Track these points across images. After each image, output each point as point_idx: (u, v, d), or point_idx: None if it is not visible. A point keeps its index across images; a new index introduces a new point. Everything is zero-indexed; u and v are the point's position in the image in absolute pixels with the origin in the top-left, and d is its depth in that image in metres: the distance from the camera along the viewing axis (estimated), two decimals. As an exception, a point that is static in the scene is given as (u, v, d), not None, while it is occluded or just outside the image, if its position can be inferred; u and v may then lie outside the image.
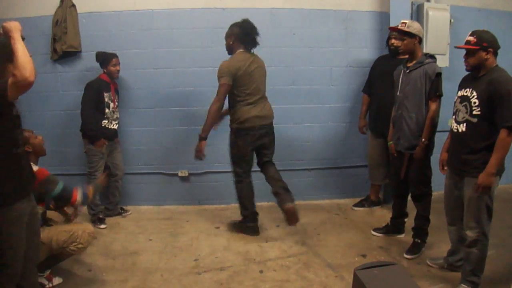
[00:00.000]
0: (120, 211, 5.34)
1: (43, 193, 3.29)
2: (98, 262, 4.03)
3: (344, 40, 5.51)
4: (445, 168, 3.59)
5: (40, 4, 5.17)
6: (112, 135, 5.00)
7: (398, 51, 4.62)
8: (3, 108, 2.44)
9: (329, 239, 4.54)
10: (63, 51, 5.14)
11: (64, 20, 5.05)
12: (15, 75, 2.28)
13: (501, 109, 3.01)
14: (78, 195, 3.40)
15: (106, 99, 4.83)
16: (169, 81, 5.36)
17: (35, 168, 3.28)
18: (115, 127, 5.04)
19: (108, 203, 5.24)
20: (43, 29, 5.17)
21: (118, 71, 4.94)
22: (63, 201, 3.41)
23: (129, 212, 5.37)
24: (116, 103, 5.01)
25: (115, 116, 4.99)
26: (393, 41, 4.78)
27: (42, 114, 5.28)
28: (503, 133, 3.01)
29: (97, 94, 4.77)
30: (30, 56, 2.35)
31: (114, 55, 4.89)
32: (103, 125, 4.85)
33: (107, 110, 4.85)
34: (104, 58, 4.86)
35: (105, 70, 4.88)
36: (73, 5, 5.12)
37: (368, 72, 5.26)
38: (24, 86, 2.32)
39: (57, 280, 3.59)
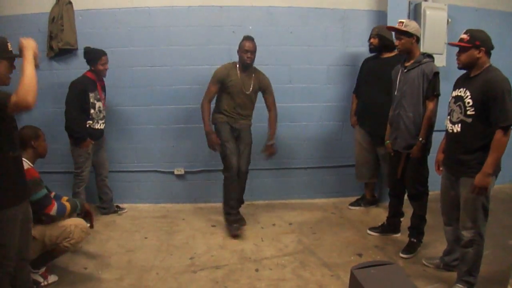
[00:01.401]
0: (116, 209, 5.31)
1: None
2: (94, 260, 4.03)
3: (341, 39, 5.51)
4: (441, 168, 3.60)
5: (37, 1, 5.14)
6: (98, 135, 4.91)
7: (376, 50, 4.86)
8: (2, 113, 2.45)
9: (325, 238, 4.54)
10: (59, 49, 5.12)
11: (61, 17, 5.03)
12: (18, 95, 2.32)
13: (495, 110, 3.00)
14: (52, 209, 3.38)
15: (91, 100, 4.71)
16: (165, 79, 5.35)
17: (26, 165, 3.28)
18: (102, 127, 4.94)
19: (102, 202, 5.22)
20: (39, 26, 5.15)
21: (107, 69, 4.85)
22: (37, 208, 3.34)
23: (125, 210, 5.35)
24: (102, 101, 4.91)
25: (101, 115, 4.88)
26: (371, 40, 4.91)
27: (38, 111, 5.21)
28: (498, 134, 3.00)
29: (82, 95, 4.65)
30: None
31: (103, 53, 4.78)
32: (88, 126, 4.75)
33: (92, 111, 4.74)
34: (93, 56, 4.74)
35: (92, 68, 4.78)
36: (70, 2, 5.09)
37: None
38: (24, 108, 2.37)
39: (52, 278, 3.58)
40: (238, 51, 4.64)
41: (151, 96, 5.38)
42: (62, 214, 3.46)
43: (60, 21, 5.04)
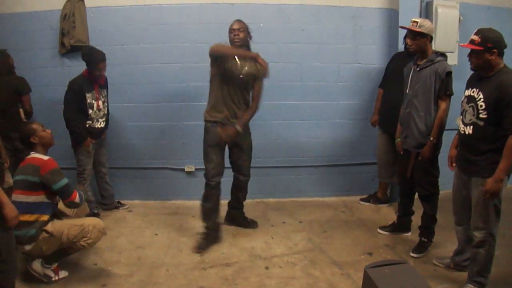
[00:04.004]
0: (118, 205, 5.35)
1: (47, 183, 3.33)
2: (104, 256, 4.05)
3: (352, 37, 5.49)
4: (454, 164, 3.57)
5: (48, -2, 5.19)
6: (98, 133, 4.88)
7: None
8: None
9: (335, 237, 4.54)
10: (71, 45, 5.15)
11: (72, 14, 5.05)
12: None
13: (509, 115, 2.95)
14: (77, 197, 3.46)
15: (88, 100, 4.66)
16: (176, 76, 5.37)
17: (45, 158, 3.36)
18: (102, 125, 4.88)
19: (104, 199, 5.24)
20: (51, 23, 5.19)
21: (103, 75, 4.75)
22: (61, 197, 3.44)
23: (127, 206, 5.39)
24: (102, 99, 4.83)
25: (101, 114, 4.83)
26: (407, 40, 4.57)
27: (50, 108, 5.27)
28: (511, 140, 2.95)
29: (78, 96, 4.60)
30: None
31: (102, 59, 4.65)
32: (87, 125, 4.72)
33: (90, 111, 4.69)
34: (90, 60, 4.62)
35: (89, 70, 4.68)
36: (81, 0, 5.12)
37: (376, 69, 5.24)
38: None
39: (63, 274, 3.61)
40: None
41: (162, 93, 5.40)
42: (83, 201, 3.57)
43: (72, 18, 5.06)
